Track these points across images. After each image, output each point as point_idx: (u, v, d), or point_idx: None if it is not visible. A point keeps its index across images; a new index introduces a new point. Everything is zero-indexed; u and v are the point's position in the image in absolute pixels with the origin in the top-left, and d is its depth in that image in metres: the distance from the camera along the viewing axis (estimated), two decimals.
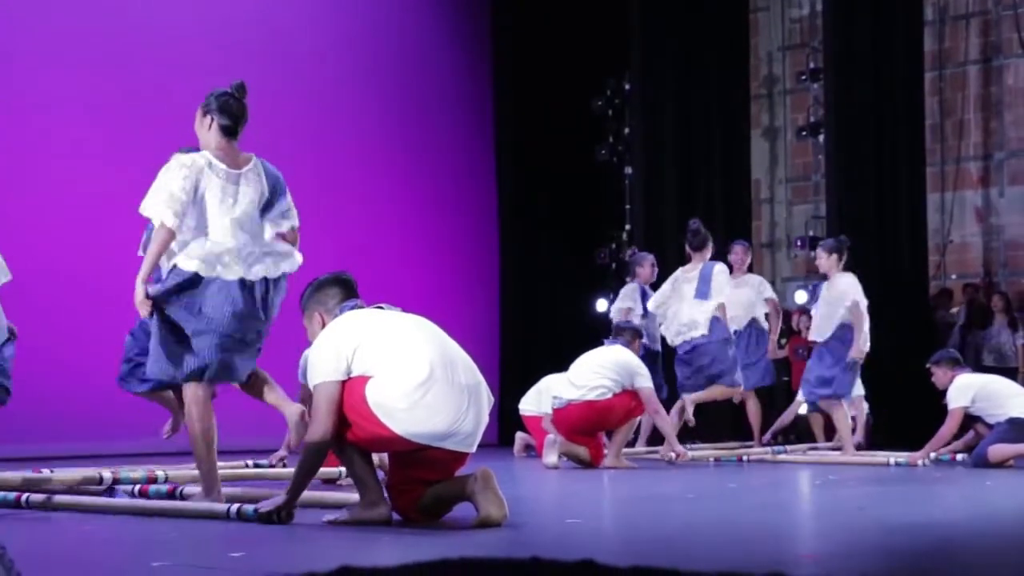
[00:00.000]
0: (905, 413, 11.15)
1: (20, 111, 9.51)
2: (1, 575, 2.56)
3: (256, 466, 7.12)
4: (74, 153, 9.70)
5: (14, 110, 9.50)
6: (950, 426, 8.69)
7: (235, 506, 4.73)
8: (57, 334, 9.15)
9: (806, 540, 4.54)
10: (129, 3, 10.30)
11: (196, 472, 5.83)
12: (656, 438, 9.92)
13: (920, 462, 8.70)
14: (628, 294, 10.48)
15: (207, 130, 5.25)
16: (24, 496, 5.22)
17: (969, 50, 13.80)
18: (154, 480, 5.73)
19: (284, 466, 7.19)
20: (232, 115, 5.24)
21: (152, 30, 10.24)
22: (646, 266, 10.50)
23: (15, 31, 9.57)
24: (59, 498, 5.28)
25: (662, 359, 10.28)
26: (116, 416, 9.39)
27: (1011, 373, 11.18)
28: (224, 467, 6.40)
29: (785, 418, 10.66)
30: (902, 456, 8.87)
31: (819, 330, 9.56)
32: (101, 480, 5.62)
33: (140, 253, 6.23)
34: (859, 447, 10.24)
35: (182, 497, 5.39)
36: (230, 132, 5.24)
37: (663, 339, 9.96)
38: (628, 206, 13.08)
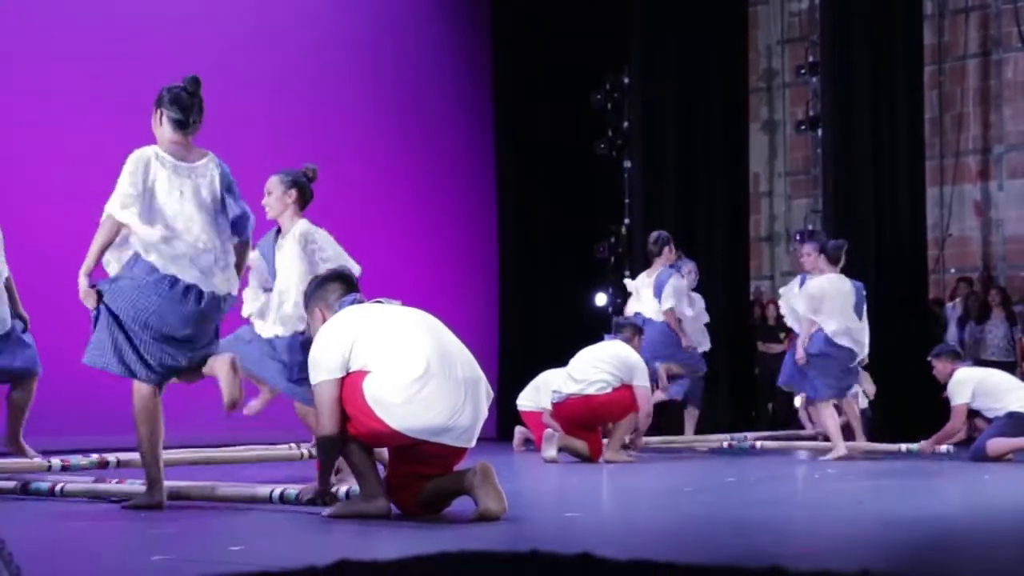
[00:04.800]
0: (904, 406, 11.17)
1: (21, 111, 9.49)
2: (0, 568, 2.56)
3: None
4: (74, 152, 9.68)
5: (15, 110, 9.48)
6: (956, 423, 8.73)
7: (278, 489, 4.83)
8: (61, 330, 9.13)
9: (805, 534, 4.54)
10: (129, 1, 10.29)
11: (187, 456, 5.90)
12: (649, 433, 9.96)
13: (931, 449, 8.85)
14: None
15: (159, 125, 5.19)
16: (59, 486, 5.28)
17: (968, 44, 13.81)
18: (105, 465, 5.77)
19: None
20: (183, 108, 5.15)
21: (152, 30, 10.23)
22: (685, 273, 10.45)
23: (15, 30, 9.55)
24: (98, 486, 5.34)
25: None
26: (104, 410, 9.41)
27: (1009, 367, 11.19)
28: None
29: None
30: (914, 445, 9.01)
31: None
32: (50, 468, 5.67)
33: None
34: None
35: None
36: (181, 125, 5.14)
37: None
38: (627, 200, 13.08)
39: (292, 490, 4.87)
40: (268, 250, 6.33)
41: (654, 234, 10.25)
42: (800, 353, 9.02)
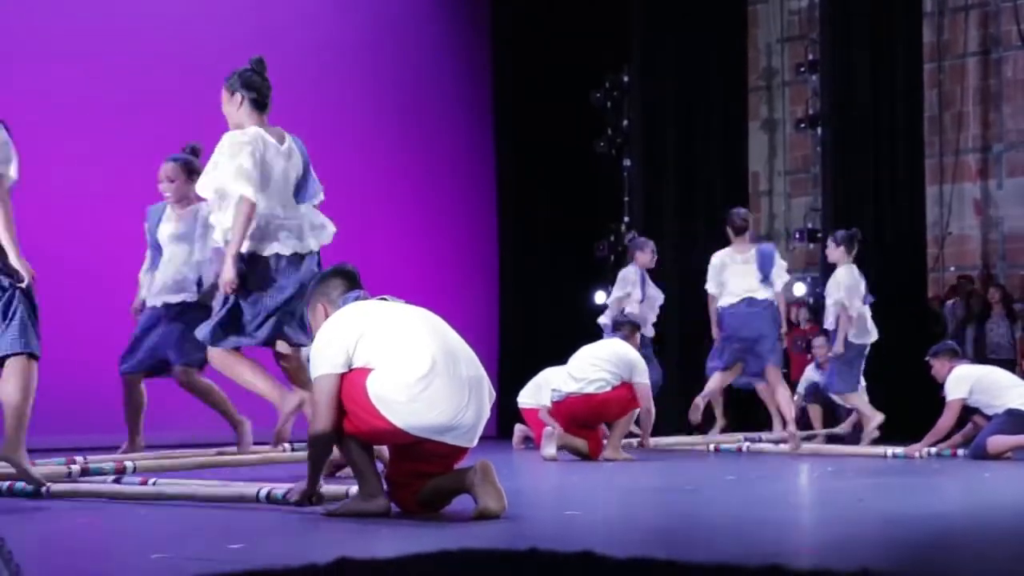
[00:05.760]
0: (903, 405, 11.15)
1: (21, 111, 9.48)
2: None
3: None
4: (74, 151, 9.67)
5: (15, 110, 9.47)
6: (948, 418, 8.68)
7: (265, 489, 4.78)
8: (60, 330, 9.12)
9: (805, 532, 4.54)
10: (129, 1, 10.29)
11: (165, 463, 5.93)
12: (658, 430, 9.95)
13: (918, 454, 8.70)
14: (627, 278, 10.49)
15: (238, 108, 5.52)
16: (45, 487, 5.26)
17: (968, 42, 13.80)
18: (122, 471, 5.70)
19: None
20: (259, 90, 5.55)
21: (152, 30, 10.22)
22: (647, 251, 10.53)
23: (15, 30, 9.55)
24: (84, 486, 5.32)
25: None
26: (103, 409, 9.40)
27: (1009, 365, 11.18)
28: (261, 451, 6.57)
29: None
30: (899, 449, 8.88)
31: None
32: (70, 474, 5.61)
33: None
34: (846, 438, 10.33)
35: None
36: (261, 106, 5.52)
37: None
38: (627, 198, 13.08)
39: (279, 490, 4.78)
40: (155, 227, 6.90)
41: (742, 210, 9.91)
42: (839, 348, 9.61)
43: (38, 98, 9.50)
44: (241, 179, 5.34)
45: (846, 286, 9.63)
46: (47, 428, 8.95)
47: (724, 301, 9.48)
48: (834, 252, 9.93)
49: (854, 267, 9.78)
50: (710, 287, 9.59)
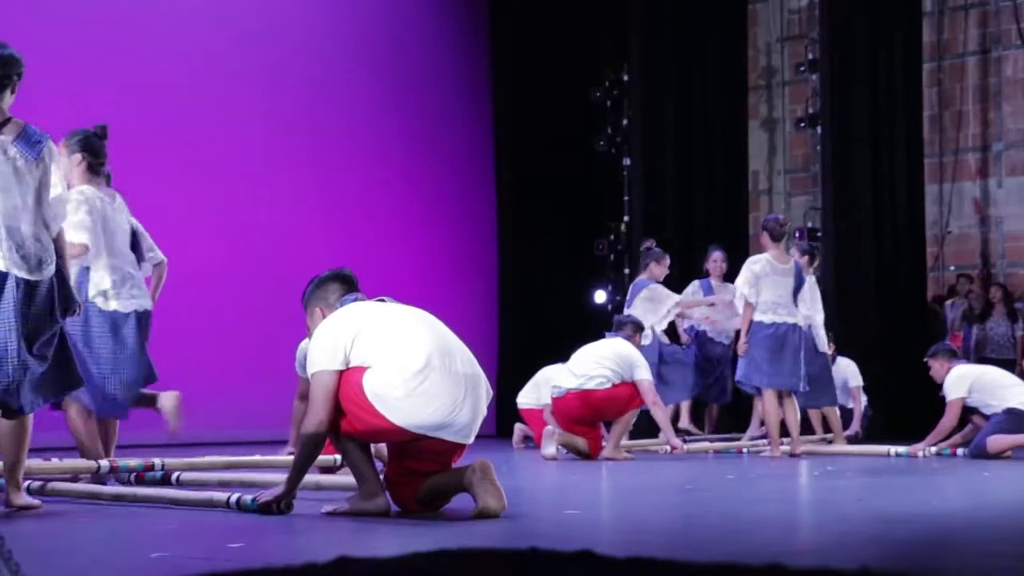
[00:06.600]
0: (902, 404, 11.16)
1: (22, 111, 9.46)
2: None
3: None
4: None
5: (14, 110, 9.46)
6: (950, 418, 8.68)
7: (235, 496, 4.73)
8: None
9: (804, 531, 4.54)
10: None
11: (191, 460, 5.91)
12: (651, 431, 9.94)
13: (921, 453, 8.71)
14: (661, 297, 10.15)
15: (76, 165, 5.77)
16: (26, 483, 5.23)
17: (968, 41, 13.80)
18: (151, 469, 5.71)
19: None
20: (97, 154, 5.83)
21: (151, 29, 10.22)
22: (663, 264, 10.30)
23: (15, 30, 9.54)
24: (56, 485, 5.29)
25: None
26: None
27: (1009, 364, 11.18)
28: (232, 459, 6.46)
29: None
30: (902, 448, 8.88)
31: None
32: (99, 469, 5.61)
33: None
34: (856, 439, 10.30)
35: (179, 483, 5.39)
36: (96, 170, 5.82)
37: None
38: (627, 197, 13.08)
39: (248, 497, 4.64)
40: None
41: (780, 216, 9.40)
42: None
43: (38, 98, 9.49)
44: (79, 229, 5.57)
45: (813, 301, 9.70)
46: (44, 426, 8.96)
47: (763, 317, 8.81)
48: (798, 261, 9.68)
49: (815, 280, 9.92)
50: (750, 296, 8.81)
